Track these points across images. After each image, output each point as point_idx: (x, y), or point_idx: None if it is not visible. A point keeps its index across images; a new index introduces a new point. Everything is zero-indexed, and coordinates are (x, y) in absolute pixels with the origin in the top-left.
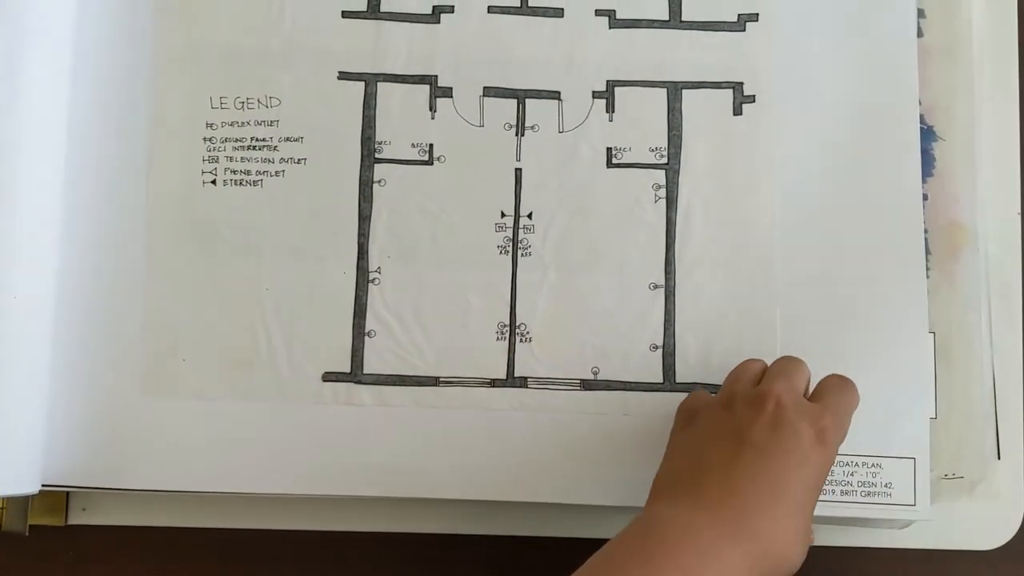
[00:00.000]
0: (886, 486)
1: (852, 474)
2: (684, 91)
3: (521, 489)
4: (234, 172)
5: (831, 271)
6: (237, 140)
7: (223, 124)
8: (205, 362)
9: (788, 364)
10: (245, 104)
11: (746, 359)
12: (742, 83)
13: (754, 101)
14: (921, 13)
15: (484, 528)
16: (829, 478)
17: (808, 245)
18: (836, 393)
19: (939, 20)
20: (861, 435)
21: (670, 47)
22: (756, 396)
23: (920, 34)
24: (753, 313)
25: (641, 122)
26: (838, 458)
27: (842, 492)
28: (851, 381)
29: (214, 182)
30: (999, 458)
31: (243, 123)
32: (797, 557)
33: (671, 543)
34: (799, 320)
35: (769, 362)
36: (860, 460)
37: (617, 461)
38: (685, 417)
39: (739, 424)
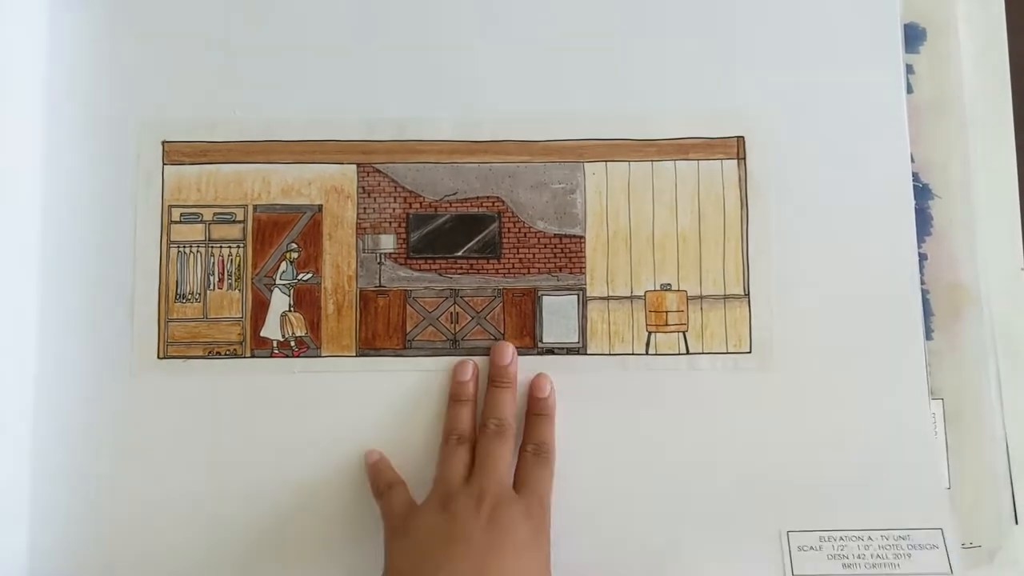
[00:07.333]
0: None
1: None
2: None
3: None
4: None
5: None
6: None
7: None
8: None
9: (496, 451)
10: None
11: (451, 431)
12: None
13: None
14: (910, 69)
15: None
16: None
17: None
18: (537, 476)
19: (928, 75)
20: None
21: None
22: (472, 495)
23: (910, 90)
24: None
25: None
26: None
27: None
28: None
29: None
30: (1017, 523)
31: None
32: None
33: None
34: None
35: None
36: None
37: None
38: (398, 524)
39: (456, 525)
